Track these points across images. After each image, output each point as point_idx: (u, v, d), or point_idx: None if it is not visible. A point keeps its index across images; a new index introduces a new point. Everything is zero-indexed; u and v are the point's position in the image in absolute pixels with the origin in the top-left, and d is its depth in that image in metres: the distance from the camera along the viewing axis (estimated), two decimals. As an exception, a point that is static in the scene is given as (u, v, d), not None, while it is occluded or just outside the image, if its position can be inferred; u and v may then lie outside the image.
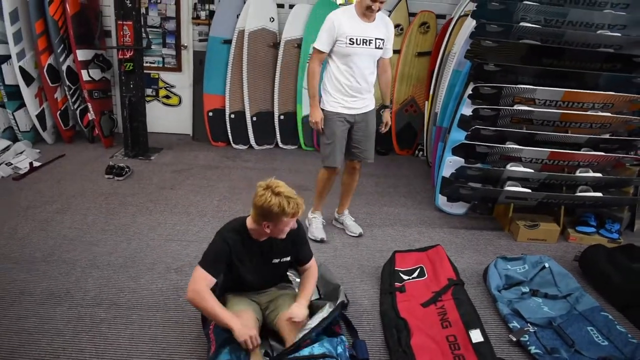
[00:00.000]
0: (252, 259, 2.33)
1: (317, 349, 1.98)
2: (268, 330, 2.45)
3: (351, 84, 3.18)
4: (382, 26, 3.16)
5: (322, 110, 3.30)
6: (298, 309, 2.26)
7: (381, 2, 2.99)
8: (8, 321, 2.50)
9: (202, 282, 2.17)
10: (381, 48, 3.16)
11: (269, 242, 2.31)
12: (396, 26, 5.20)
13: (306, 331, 2.18)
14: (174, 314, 2.64)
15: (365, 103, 3.32)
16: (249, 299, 2.41)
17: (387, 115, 3.52)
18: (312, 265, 2.50)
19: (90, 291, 2.79)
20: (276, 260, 2.39)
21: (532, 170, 3.53)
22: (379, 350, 2.47)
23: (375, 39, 3.11)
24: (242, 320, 2.17)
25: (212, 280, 2.22)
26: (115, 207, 3.89)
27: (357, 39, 3.08)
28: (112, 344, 2.39)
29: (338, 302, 2.55)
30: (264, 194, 2.15)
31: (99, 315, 2.59)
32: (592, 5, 3.67)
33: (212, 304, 2.14)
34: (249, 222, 2.27)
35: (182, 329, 2.53)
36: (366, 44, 3.10)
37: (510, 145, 3.51)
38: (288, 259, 2.43)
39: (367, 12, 3.04)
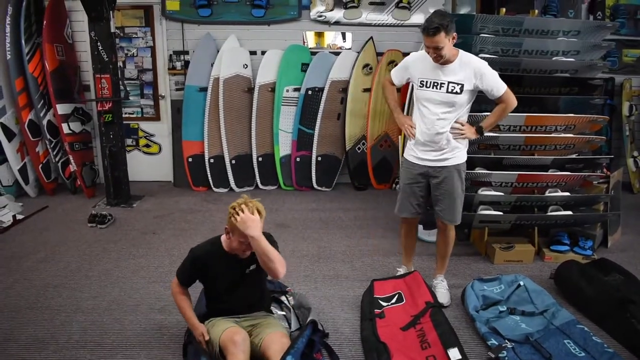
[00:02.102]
0: (227, 271, 2.48)
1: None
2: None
3: (421, 129, 3.00)
4: (462, 69, 2.85)
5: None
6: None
7: (436, 49, 2.74)
8: (-9, 370, 2.52)
9: (176, 286, 2.58)
10: (457, 93, 2.86)
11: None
12: (365, 66, 5.45)
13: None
14: (157, 352, 2.67)
15: (441, 156, 2.99)
16: (233, 321, 2.50)
17: (469, 128, 3.00)
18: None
19: (74, 334, 2.81)
20: (252, 268, 2.51)
21: (502, 194, 3.68)
22: (361, 375, 2.52)
23: (449, 82, 2.86)
24: (236, 337, 2.33)
25: (185, 288, 2.59)
26: (98, 253, 3.93)
27: (427, 82, 2.92)
28: (98, 384, 2.42)
29: (308, 320, 2.64)
30: (233, 203, 2.40)
31: (84, 357, 2.61)
32: (545, 34, 3.91)
33: (185, 304, 2.56)
34: (223, 237, 2.50)
35: (167, 365, 2.57)
36: (437, 88, 2.90)
37: (480, 171, 3.66)
38: (255, 266, 2.53)
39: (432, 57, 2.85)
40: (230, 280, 2.51)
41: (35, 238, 4.21)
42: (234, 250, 2.44)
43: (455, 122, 2.94)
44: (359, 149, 5.62)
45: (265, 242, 2.33)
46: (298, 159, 5.58)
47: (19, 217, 4.57)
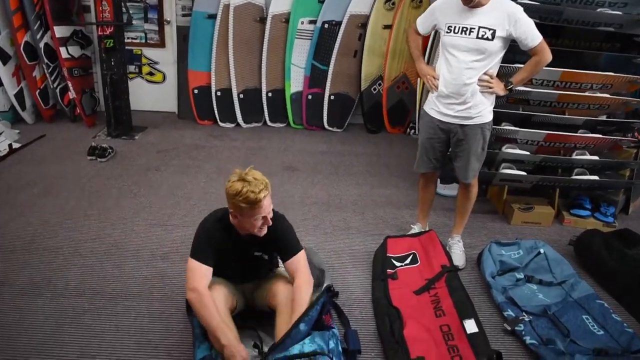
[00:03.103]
0: (234, 250, 2.24)
1: (307, 346, 1.91)
2: (256, 321, 2.39)
3: (446, 80, 2.72)
4: (494, 13, 2.55)
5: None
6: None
7: None
8: (-14, 316, 2.41)
9: (201, 279, 2.09)
10: (488, 39, 2.56)
11: (250, 235, 2.20)
12: (387, 0, 5.05)
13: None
14: (159, 304, 2.56)
15: (465, 112, 2.73)
16: (232, 285, 2.33)
17: (498, 82, 2.71)
18: (302, 276, 2.22)
19: (72, 280, 2.70)
20: (257, 254, 2.31)
21: (527, 153, 3.45)
22: (371, 340, 2.41)
23: (479, 27, 2.56)
24: (213, 292, 2.12)
25: (208, 270, 2.14)
26: (98, 190, 3.76)
27: (455, 27, 2.62)
28: (96, 337, 2.31)
29: (323, 287, 2.49)
30: (232, 178, 2.08)
31: (82, 305, 2.51)
32: (593, -18, 3.53)
33: (210, 314, 2.01)
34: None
35: (169, 320, 2.46)
36: (466, 33, 2.60)
37: (506, 127, 3.41)
38: (268, 257, 2.35)
39: None
40: (237, 261, 2.30)
41: (32, 170, 4.03)
42: (246, 230, 2.17)
43: (484, 73, 2.66)
44: (374, 89, 5.31)
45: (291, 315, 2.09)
46: (310, 97, 5.29)
47: (16, 145, 4.36)
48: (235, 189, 2.02)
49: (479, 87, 2.67)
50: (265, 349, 2.26)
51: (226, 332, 1.99)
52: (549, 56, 2.65)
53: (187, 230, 3.23)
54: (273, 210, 2.18)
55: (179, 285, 2.70)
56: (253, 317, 2.39)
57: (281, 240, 2.26)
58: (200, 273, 2.11)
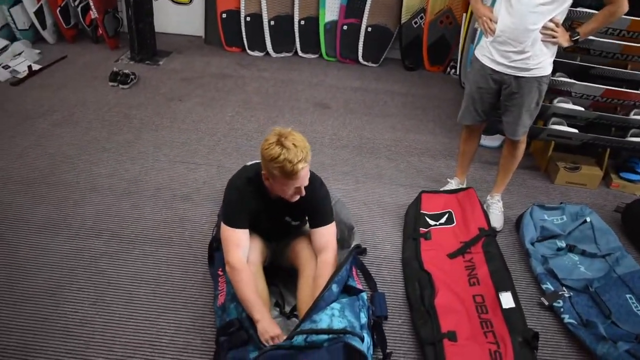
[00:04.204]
0: (265, 212, 2.07)
1: (337, 320, 1.75)
2: (279, 278, 2.27)
3: (505, 24, 2.39)
4: None
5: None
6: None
7: None
8: (1, 251, 2.33)
9: (236, 250, 1.94)
10: None
11: (282, 199, 2.02)
12: None
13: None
14: (178, 250, 2.45)
15: (522, 63, 2.41)
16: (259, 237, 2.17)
17: (563, 32, 2.37)
18: (329, 253, 2.05)
19: (89, 220, 2.59)
20: (287, 219, 2.15)
21: (582, 108, 3.12)
22: (399, 305, 2.27)
23: None
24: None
25: (244, 234, 1.99)
26: (118, 120, 3.59)
27: None
28: (111, 282, 2.23)
29: (352, 247, 2.32)
30: (269, 139, 1.85)
31: (98, 248, 2.41)
32: None
33: (245, 290, 1.87)
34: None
35: (187, 269, 2.35)
36: None
37: (561, 78, 3.07)
38: (298, 223, 2.19)
39: None
40: (267, 222, 2.13)
41: (51, 95, 3.86)
42: (277, 193, 1.99)
43: (550, 20, 2.32)
44: (415, 23, 4.88)
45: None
46: (345, 27, 4.91)
47: (36, 67, 4.17)
48: (270, 155, 1.81)
49: (541, 35, 2.34)
50: (287, 309, 2.17)
51: (261, 308, 1.86)
52: (625, 6, 2.29)
53: (210, 169, 3.08)
54: (311, 172, 1.99)
55: (200, 231, 2.58)
56: (277, 274, 2.27)
57: (314, 209, 2.09)
58: (236, 241, 1.96)
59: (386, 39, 4.98)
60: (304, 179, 1.89)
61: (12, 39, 4.49)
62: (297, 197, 1.96)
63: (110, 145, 3.26)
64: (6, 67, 4.02)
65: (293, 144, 1.81)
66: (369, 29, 4.87)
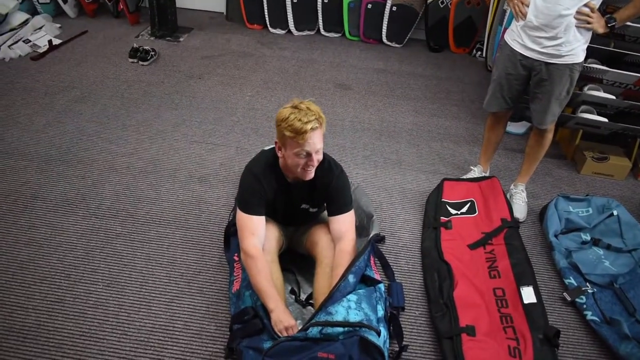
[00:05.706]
0: (283, 199, 2.02)
1: (353, 313, 1.71)
2: (296, 265, 2.23)
3: (537, 8, 2.28)
4: None
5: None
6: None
7: None
8: (18, 230, 2.33)
9: (251, 238, 1.89)
10: None
11: (299, 183, 1.98)
12: None
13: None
14: (194, 233, 2.42)
15: (554, 49, 2.31)
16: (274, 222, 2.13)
17: (599, 18, 2.26)
18: (347, 242, 1.99)
19: (106, 199, 2.57)
20: (305, 206, 2.09)
21: (613, 97, 2.99)
22: (417, 296, 2.22)
23: None
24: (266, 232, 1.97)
25: (260, 221, 1.94)
26: (138, 98, 3.56)
27: None
28: (127, 265, 2.21)
29: (370, 236, 2.27)
30: (285, 105, 1.85)
31: (115, 229, 2.39)
32: None
33: (260, 279, 1.83)
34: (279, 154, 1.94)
35: (203, 253, 2.32)
36: None
37: (593, 65, 2.94)
38: (316, 210, 2.13)
39: None
40: (284, 208, 2.08)
41: (71, 70, 3.83)
42: (291, 171, 1.92)
43: (585, 5, 2.20)
44: (442, 3, 4.73)
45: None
46: (370, 6, 4.78)
47: (56, 41, 4.14)
48: (282, 115, 1.80)
49: (575, 21, 2.23)
50: (302, 296, 2.14)
51: (275, 298, 1.82)
52: None
53: (228, 151, 3.04)
54: (332, 160, 1.96)
55: (217, 214, 2.55)
56: (293, 260, 2.24)
57: (333, 196, 2.03)
58: (252, 228, 1.91)
59: (411, 19, 4.84)
60: (315, 145, 1.81)
61: (33, 12, 4.47)
62: (311, 173, 1.89)
63: (130, 123, 3.24)
64: (27, 41, 4.00)
65: (307, 107, 1.80)
66: (394, 9, 4.74)
